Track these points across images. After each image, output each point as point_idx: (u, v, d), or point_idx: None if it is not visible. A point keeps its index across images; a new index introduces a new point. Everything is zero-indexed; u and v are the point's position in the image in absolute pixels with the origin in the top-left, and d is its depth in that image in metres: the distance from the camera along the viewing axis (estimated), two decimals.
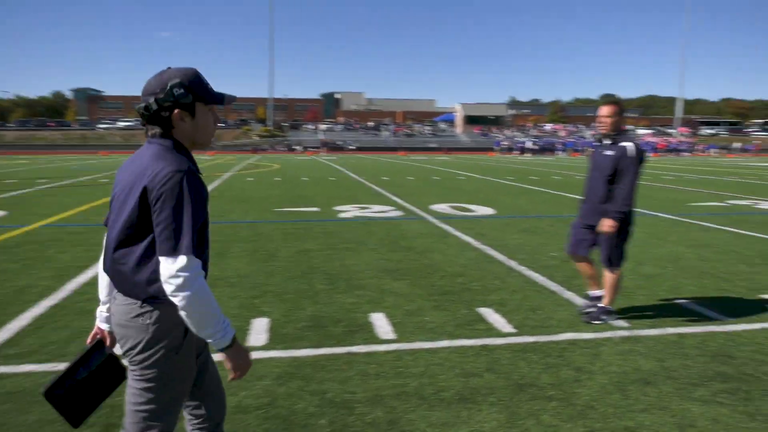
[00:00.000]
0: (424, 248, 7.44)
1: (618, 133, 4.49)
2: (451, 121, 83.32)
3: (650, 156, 52.98)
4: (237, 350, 1.84)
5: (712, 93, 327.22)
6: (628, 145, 4.39)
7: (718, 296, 5.30)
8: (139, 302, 1.80)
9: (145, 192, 1.73)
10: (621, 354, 3.89)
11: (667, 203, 12.90)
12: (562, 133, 74.07)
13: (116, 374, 2.00)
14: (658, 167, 30.77)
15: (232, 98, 1.92)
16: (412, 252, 7.19)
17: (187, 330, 1.85)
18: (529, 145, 59.99)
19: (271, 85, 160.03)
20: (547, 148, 60.29)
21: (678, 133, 75.62)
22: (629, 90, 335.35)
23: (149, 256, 1.77)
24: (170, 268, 1.68)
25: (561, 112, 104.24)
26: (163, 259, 1.70)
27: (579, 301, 5.08)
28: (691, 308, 4.92)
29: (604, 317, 4.54)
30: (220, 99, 1.90)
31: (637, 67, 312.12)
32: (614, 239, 4.50)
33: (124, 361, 1.92)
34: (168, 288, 1.69)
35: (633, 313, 4.77)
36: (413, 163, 33.76)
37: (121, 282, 1.83)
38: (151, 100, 1.81)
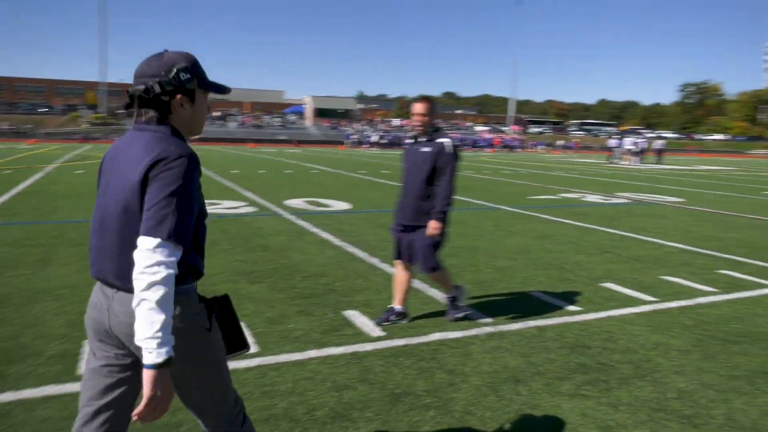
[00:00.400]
0: (281, 247, 7.06)
1: (434, 129, 4.32)
2: (300, 114, 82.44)
3: (488, 151, 56.88)
4: (164, 378, 1.57)
5: (538, 95, 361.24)
6: (446, 141, 4.22)
7: (565, 286, 5.62)
8: None
9: (149, 171, 1.62)
10: (489, 352, 3.89)
11: (508, 196, 13.76)
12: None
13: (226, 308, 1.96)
14: (495, 162, 33.06)
15: (229, 89, 1.88)
16: (270, 251, 6.78)
17: (210, 312, 1.82)
18: (376, 139, 61.34)
19: (103, 67, 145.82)
20: (394, 143, 62.04)
21: (511, 131, 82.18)
22: (467, 89, 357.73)
23: None
24: (146, 248, 1.55)
25: (407, 107, 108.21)
26: (142, 238, 1.57)
27: (443, 298, 5.07)
28: (545, 300, 5.14)
29: (461, 306, 4.53)
30: (221, 88, 1.84)
31: (474, 68, 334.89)
32: (429, 246, 4.27)
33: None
34: (135, 269, 1.54)
35: (494, 308, 4.86)
36: (263, 156, 32.77)
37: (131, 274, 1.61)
38: (152, 82, 1.71)
